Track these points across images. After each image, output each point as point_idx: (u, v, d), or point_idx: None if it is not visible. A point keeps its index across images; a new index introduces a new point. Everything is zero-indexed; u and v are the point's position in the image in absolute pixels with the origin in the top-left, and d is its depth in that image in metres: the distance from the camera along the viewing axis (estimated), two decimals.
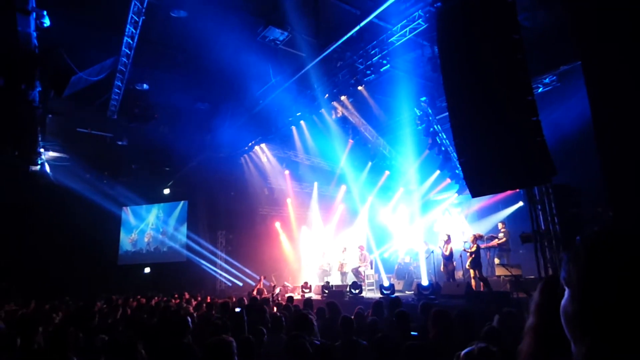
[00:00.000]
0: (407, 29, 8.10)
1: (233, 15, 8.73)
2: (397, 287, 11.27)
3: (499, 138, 5.52)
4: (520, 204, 11.24)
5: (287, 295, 9.32)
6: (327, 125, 12.43)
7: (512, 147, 5.40)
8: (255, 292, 10.96)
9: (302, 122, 12.37)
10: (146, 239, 16.86)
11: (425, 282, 9.63)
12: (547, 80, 8.96)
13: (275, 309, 7.08)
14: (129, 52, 8.84)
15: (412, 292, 9.70)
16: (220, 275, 14.65)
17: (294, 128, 12.77)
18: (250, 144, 14.01)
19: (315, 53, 9.35)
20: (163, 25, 9.05)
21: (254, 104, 12.07)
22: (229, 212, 14.92)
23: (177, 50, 10.21)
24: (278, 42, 8.74)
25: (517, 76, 5.46)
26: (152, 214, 17.04)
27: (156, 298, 9.88)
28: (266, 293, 11.08)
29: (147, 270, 16.09)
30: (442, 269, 10.17)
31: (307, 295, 10.58)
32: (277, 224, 15.68)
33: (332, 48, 8.99)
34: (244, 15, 8.87)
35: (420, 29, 7.84)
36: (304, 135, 13.03)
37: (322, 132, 12.85)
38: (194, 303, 8.62)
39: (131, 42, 8.47)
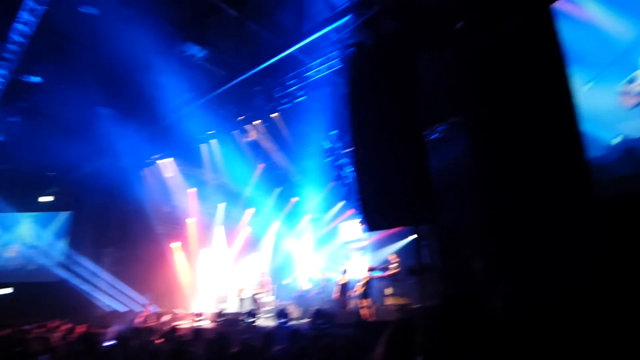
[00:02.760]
0: (325, 65, 8.59)
1: (151, 22, 8.39)
2: (295, 315, 11.28)
3: (394, 179, 6.05)
4: (415, 236, 12.19)
5: (174, 324, 8.73)
6: (238, 147, 12.33)
7: (404, 188, 5.95)
8: (140, 320, 10.07)
9: (213, 140, 12.09)
10: (8, 254, 14.48)
11: (320, 310, 9.82)
12: (440, 128, 10.10)
13: (161, 339, 6.57)
14: (22, 40, 7.92)
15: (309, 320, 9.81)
16: (101, 299, 13.10)
17: (204, 146, 12.40)
18: (154, 157, 13.20)
19: (234, 74, 9.35)
20: (70, 18, 8.31)
21: (163, 116, 11.50)
22: (122, 229, 13.68)
23: (84, 48, 9.40)
24: (196, 58, 8.58)
25: (413, 124, 6.10)
26: (24, 225, 14.76)
27: (9, 329, 7.65)
28: (153, 321, 10.26)
29: (5, 291, 13.73)
30: (337, 298, 10.50)
31: (199, 324, 10.04)
32: (176, 245, 14.78)
33: (251, 72, 9.08)
34: (163, 25, 8.58)
35: (336, 67, 8.37)
36: (214, 154, 12.72)
37: (233, 153, 12.68)
38: (60, 333, 7.43)
39: (25, 29, 7.61)
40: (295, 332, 5.50)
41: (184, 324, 10.31)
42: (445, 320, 1.37)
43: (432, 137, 8.83)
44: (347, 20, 7.03)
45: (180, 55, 8.49)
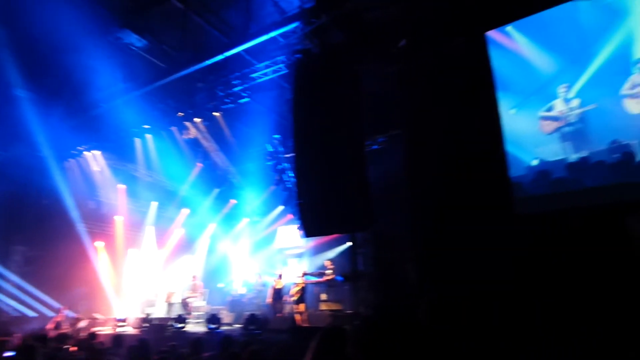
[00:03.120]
0: (271, 69, 8.52)
1: (86, 3, 7.75)
2: (227, 320, 10.97)
3: (333, 186, 6.15)
4: (350, 243, 12.48)
5: (92, 330, 8.08)
6: (176, 144, 11.79)
7: (342, 196, 6.06)
8: (51, 326, 9.18)
9: (148, 135, 11.44)
10: None
11: (254, 315, 9.65)
12: (380, 140, 10.46)
13: (75, 347, 6.03)
14: None
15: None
16: (6, 303, 11.64)
17: (137, 140, 11.69)
18: (80, 147, 12.17)
19: (175, 68, 8.94)
20: None
21: (93, 105, 10.66)
22: (37, 225, 12.37)
23: (1, 24, 8.43)
24: (134, 48, 8.08)
25: (354, 134, 6.26)
26: None
27: None
28: (68, 327, 9.41)
29: None
30: (271, 303, 10.39)
31: (121, 330, 9.39)
32: (100, 244, 13.70)
33: (195, 68, 8.74)
34: (99, 8, 7.97)
35: (282, 72, 8.34)
36: (149, 149, 12.04)
37: (169, 150, 12.09)
38: None
39: None
40: (226, 338, 5.33)
41: (104, 330, 9.58)
42: (375, 332, 1.40)
43: (372, 148, 9.16)
44: (295, 27, 7.04)
45: (116, 43, 7.94)
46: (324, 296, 11.22)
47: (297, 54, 7.31)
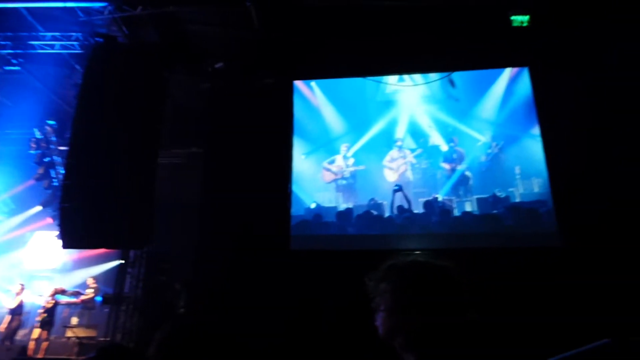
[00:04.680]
0: (60, 43, 7.11)
1: None
2: None
3: (111, 194, 5.39)
4: (121, 261, 11.09)
5: None
6: None
7: (119, 207, 5.37)
8: None
9: None
10: None
11: None
12: (182, 155, 9.91)
13: None
14: None
15: None
16: None
17: None
18: None
19: None
20: None
21: None
22: None
23: None
24: None
25: (149, 142, 5.73)
26: None
27: None
28: None
29: None
30: (2, 327, 8.09)
31: None
32: None
33: None
34: None
35: (75, 51, 7.07)
36: None
37: None
38: None
39: None
40: None
41: None
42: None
43: (174, 162, 8.59)
44: (103, 7, 6.15)
45: None
46: (75, 320, 9.49)
47: (98, 37, 6.36)
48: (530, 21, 5.85)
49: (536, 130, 6.31)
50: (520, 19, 5.90)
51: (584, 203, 5.84)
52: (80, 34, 6.77)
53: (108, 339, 8.04)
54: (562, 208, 6.02)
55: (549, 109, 6.23)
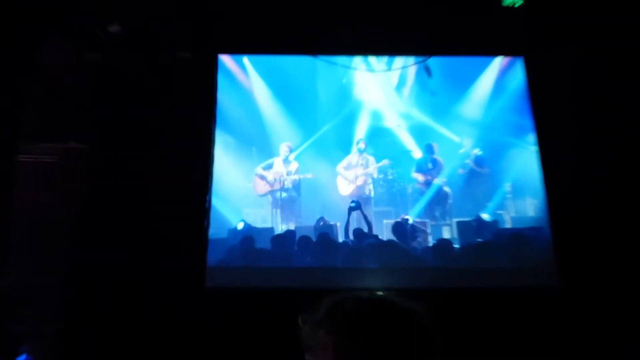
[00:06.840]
0: None
1: None
2: None
3: None
4: None
5: None
6: None
7: None
8: None
9: None
10: None
11: None
12: (52, 152, 7.87)
13: None
14: None
15: None
16: None
17: None
18: None
19: None
20: None
21: None
22: None
23: None
24: None
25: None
26: None
27: None
28: None
29: None
30: None
31: None
32: None
33: None
34: None
35: None
36: None
37: None
38: None
39: None
40: None
41: None
42: None
43: (32, 159, 6.31)
44: None
45: None
46: None
47: None
48: (526, 2, 4.62)
49: (531, 137, 4.95)
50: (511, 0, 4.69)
51: (590, 233, 4.63)
52: None
53: None
54: (561, 238, 4.75)
55: (549, 109, 4.90)
